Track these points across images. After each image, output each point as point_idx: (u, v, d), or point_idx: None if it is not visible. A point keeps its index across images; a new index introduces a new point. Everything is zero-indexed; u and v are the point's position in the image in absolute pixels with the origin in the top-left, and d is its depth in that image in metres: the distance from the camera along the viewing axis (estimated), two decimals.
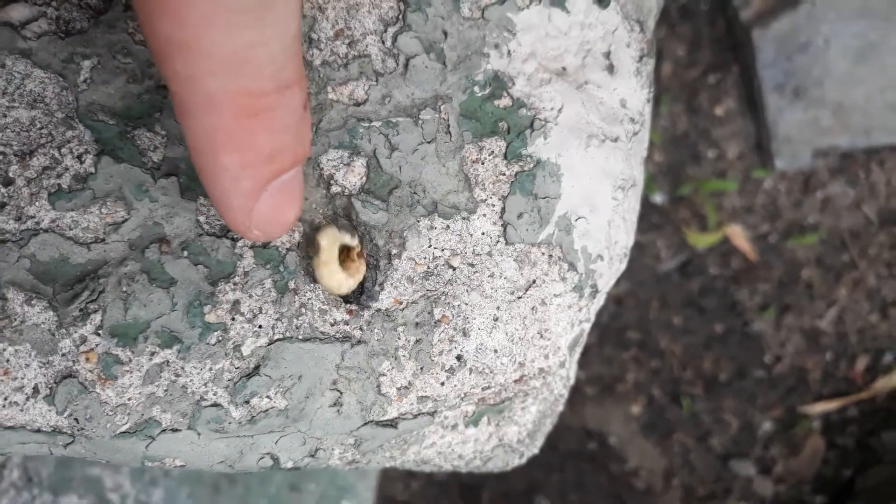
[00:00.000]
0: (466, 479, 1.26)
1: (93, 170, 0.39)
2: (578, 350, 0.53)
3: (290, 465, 0.45)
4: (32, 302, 0.38)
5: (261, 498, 0.98)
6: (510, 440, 0.52)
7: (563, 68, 0.44)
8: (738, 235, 1.34)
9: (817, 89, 1.29)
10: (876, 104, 1.29)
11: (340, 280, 0.41)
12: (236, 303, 0.41)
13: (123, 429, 0.40)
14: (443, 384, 0.45)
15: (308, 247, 0.41)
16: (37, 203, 0.38)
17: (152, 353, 0.40)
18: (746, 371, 1.35)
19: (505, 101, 0.43)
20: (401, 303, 0.43)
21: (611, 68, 0.46)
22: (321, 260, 0.41)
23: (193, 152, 0.32)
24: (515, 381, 0.47)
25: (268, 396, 0.42)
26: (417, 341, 0.44)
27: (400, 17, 0.40)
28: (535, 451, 0.56)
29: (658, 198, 1.34)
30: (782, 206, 1.34)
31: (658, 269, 1.34)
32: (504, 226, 0.44)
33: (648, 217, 1.34)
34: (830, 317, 1.36)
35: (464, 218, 0.43)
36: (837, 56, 1.28)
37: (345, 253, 0.42)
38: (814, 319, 1.36)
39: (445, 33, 0.41)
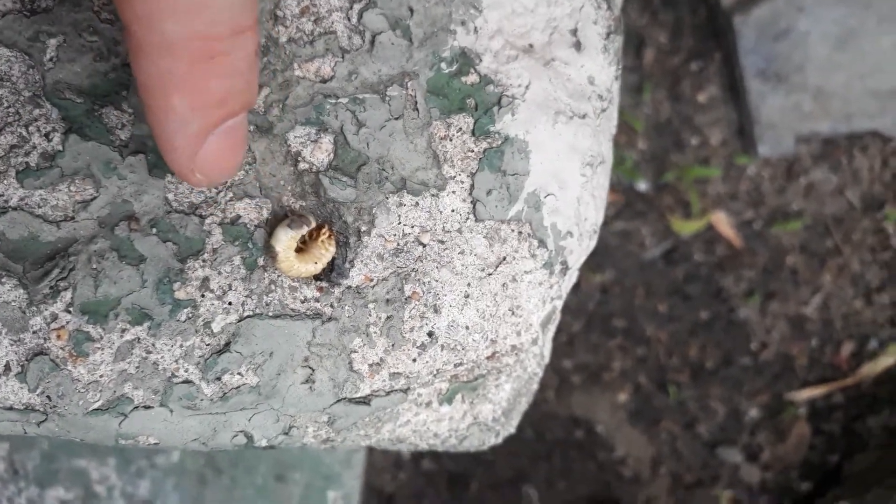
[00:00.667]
0: (453, 469, 1.27)
1: (60, 148, 0.39)
2: (552, 328, 0.53)
3: (264, 443, 0.45)
4: (2, 279, 0.39)
5: (247, 488, 0.99)
6: (485, 418, 0.53)
7: (530, 45, 0.45)
8: (723, 222, 1.34)
9: (798, 75, 1.29)
10: (856, 90, 1.30)
11: (302, 271, 0.42)
12: (206, 280, 0.41)
13: (96, 406, 0.41)
14: (415, 360, 0.45)
15: (266, 250, 0.42)
16: (5, 181, 0.38)
17: (123, 330, 0.40)
18: (732, 358, 1.36)
19: (472, 78, 0.44)
20: (371, 280, 0.44)
21: (578, 45, 0.46)
22: (279, 261, 0.41)
23: (143, 91, 0.32)
24: (488, 358, 0.48)
25: (239, 373, 0.42)
26: (388, 318, 0.44)
27: None
28: (512, 430, 0.56)
29: (642, 185, 1.34)
30: (766, 193, 1.35)
31: (643, 257, 1.35)
32: (473, 202, 0.44)
33: (633, 205, 1.34)
34: (815, 303, 1.37)
35: (433, 195, 0.44)
36: (817, 42, 1.28)
37: (310, 234, 0.42)
38: (799, 306, 1.37)
39: (411, 10, 0.41)
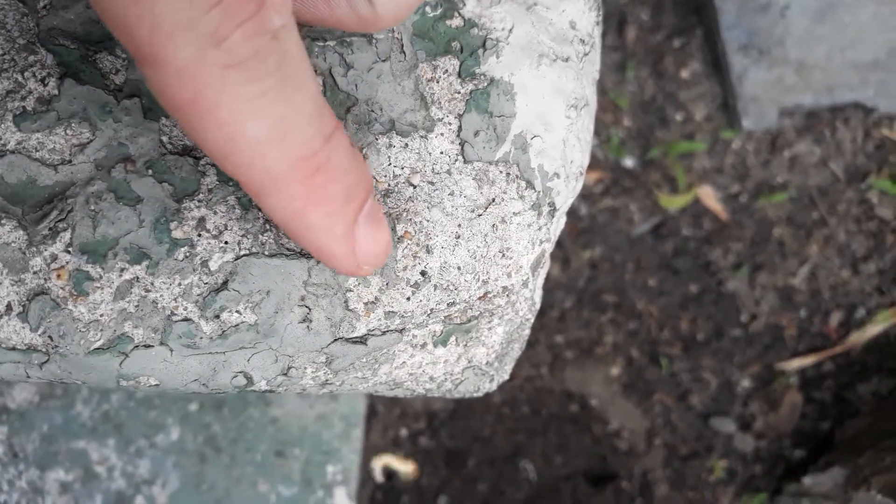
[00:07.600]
0: (451, 446, 1.28)
1: (56, 92, 0.40)
2: (542, 273, 0.54)
3: (263, 384, 0.46)
4: (2, 221, 0.40)
5: (247, 465, 1.00)
6: (479, 362, 0.54)
7: None
8: (709, 196, 1.36)
9: (779, 49, 1.31)
10: (836, 62, 1.32)
11: None
12: (202, 219, 0.42)
13: (97, 345, 0.41)
14: (409, 299, 0.46)
15: None
16: (2, 125, 0.39)
17: (122, 269, 0.41)
18: (723, 330, 1.37)
19: (456, 22, 0.45)
20: None
21: None
22: None
23: (282, 225, 0.35)
24: (480, 299, 0.49)
25: (237, 311, 0.43)
26: None
27: None
28: (506, 376, 0.57)
29: (629, 162, 1.36)
30: (751, 166, 1.37)
31: (631, 233, 1.36)
32: (461, 144, 0.45)
33: (620, 182, 1.36)
34: (803, 274, 1.38)
35: (422, 136, 0.45)
36: (797, 15, 1.30)
37: None
38: (787, 277, 1.38)
39: None
